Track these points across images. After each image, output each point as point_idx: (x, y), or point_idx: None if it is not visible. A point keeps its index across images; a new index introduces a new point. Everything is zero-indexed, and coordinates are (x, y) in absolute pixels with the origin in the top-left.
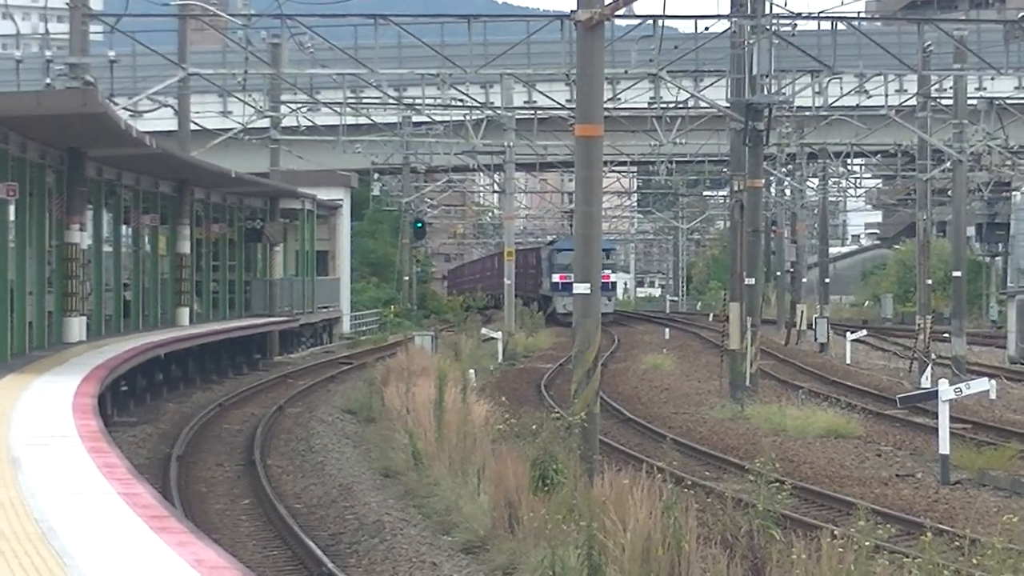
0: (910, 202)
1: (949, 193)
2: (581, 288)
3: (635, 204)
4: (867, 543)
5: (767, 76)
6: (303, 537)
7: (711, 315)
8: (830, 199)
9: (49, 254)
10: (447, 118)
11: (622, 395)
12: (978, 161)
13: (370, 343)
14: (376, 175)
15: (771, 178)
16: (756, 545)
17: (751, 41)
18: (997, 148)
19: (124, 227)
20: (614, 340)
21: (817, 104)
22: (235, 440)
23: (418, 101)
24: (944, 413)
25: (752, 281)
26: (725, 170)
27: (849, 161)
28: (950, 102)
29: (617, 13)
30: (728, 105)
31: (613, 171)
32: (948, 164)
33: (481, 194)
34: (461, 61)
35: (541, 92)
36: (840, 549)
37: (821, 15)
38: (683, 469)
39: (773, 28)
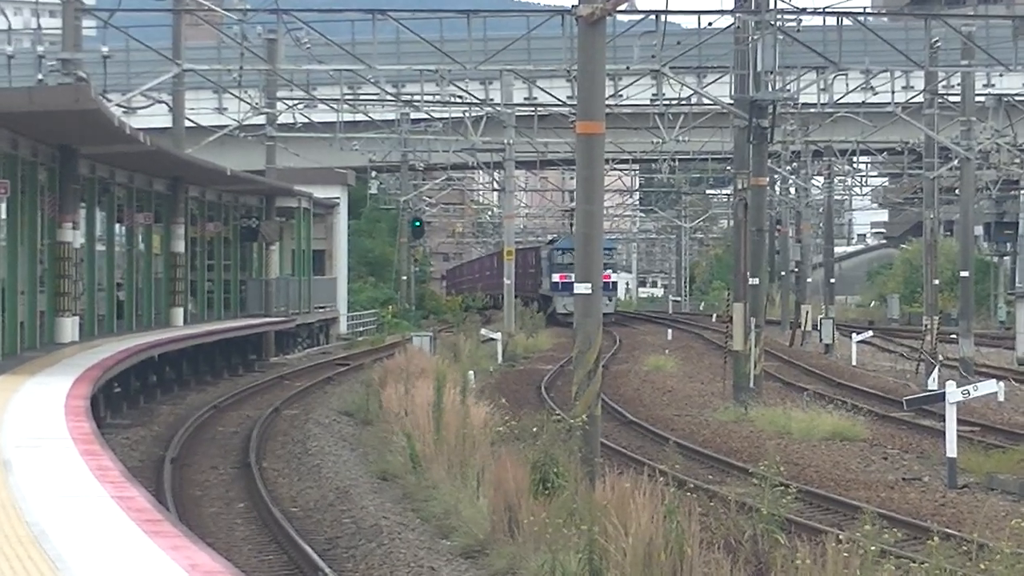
0: (917, 201)
1: (956, 192)
2: (582, 288)
3: (637, 203)
4: (873, 548)
5: (771, 72)
6: (299, 541)
7: (714, 316)
8: (835, 198)
9: (41, 253)
10: (446, 115)
11: (624, 397)
12: (986, 159)
13: (367, 344)
14: (374, 173)
15: (775, 176)
16: (760, 550)
17: (755, 37)
18: (1005, 146)
19: (117, 226)
20: (616, 341)
21: (822, 101)
22: (230, 442)
23: (416, 98)
24: (951, 415)
25: (756, 281)
26: (729, 168)
27: (855, 159)
28: (958, 99)
29: (619, 8)
30: (732, 102)
31: (615, 169)
32: (955, 162)
33: (480, 192)
34: (460, 57)
35: (542, 88)
36: (845, 554)
37: (826, 10)
38: (686, 472)
39: (777, 23)
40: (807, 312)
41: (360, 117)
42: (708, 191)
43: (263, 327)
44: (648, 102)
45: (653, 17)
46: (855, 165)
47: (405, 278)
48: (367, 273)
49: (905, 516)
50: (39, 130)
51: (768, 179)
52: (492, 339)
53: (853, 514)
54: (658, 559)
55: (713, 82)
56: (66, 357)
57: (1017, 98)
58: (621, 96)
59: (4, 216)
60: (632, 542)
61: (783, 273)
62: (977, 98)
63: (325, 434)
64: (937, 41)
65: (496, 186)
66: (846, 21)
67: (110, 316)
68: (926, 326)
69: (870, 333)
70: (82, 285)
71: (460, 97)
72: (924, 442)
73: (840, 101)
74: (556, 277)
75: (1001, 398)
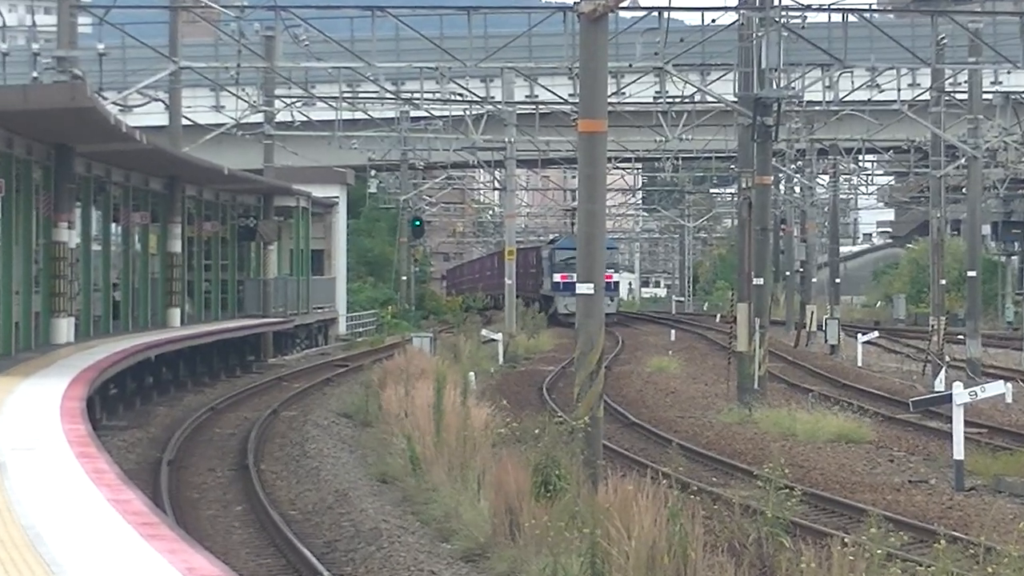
0: (923, 200)
1: (964, 190)
2: (584, 288)
3: (640, 202)
4: (879, 551)
5: (776, 70)
6: (298, 545)
7: (718, 316)
8: (841, 196)
9: (36, 253)
10: (446, 113)
11: (626, 398)
12: (993, 157)
13: (367, 345)
14: (373, 172)
15: (780, 175)
16: (765, 553)
17: (760, 34)
18: (1013, 144)
19: (113, 225)
20: (618, 342)
21: (828, 99)
22: (228, 444)
23: (416, 95)
24: (958, 417)
25: (760, 281)
26: (733, 167)
27: (860, 157)
28: (965, 96)
29: (621, 5)
30: (736, 100)
31: (617, 168)
32: (963, 160)
33: (481, 191)
34: (461, 54)
35: (543, 86)
36: (851, 557)
37: (832, 7)
38: (689, 475)
39: (782, 20)
40: (812, 312)
41: (359, 115)
42: (712, 190)
43: (261, 328)
44: (651, 100)
45: (656, 14)
46: (861, 163)
47: (405, 278)
48: (366, 273)
49: (911, 519)
50: (34, 128)
51: (772, 178)
52: (493, 340)
53: (859, 517)
54: (661, 563)
55: (717, 80)
56: (61, 358)
57: None
58: (624, 94)
59: None
60: (635, 545)
61: (788, 273)
62: (984, 95)
63: (324, 436)
64: (944, 38)
65: (497, 185)
66: (851, 18)
67: (106, 317)
68: (933, 326)
69: (876, 334)
70: (78, 285)
71: (460, 95)
72: (931, 444)
73: (845, 99)
74: (557, 277)
75: (1009, 399)
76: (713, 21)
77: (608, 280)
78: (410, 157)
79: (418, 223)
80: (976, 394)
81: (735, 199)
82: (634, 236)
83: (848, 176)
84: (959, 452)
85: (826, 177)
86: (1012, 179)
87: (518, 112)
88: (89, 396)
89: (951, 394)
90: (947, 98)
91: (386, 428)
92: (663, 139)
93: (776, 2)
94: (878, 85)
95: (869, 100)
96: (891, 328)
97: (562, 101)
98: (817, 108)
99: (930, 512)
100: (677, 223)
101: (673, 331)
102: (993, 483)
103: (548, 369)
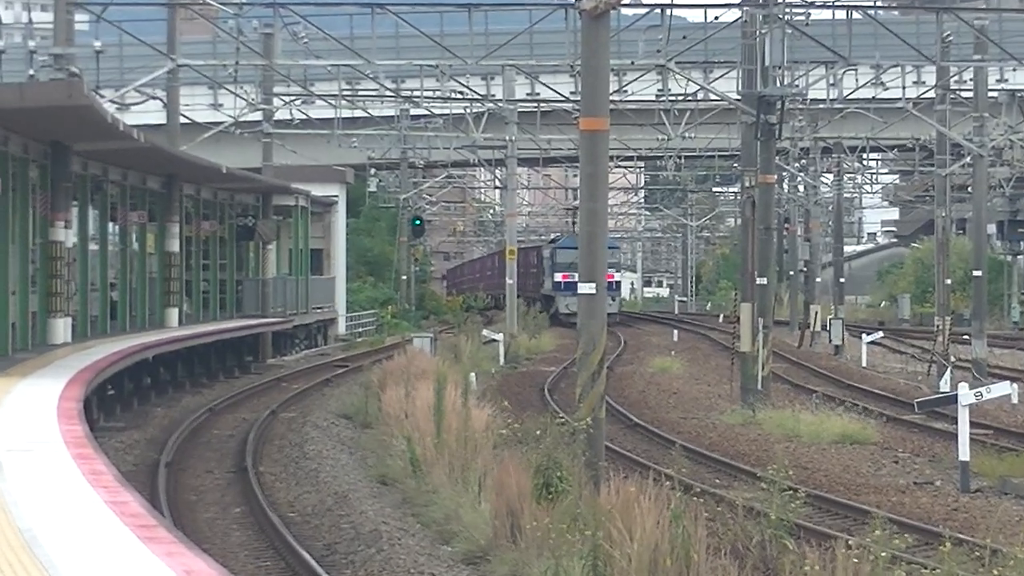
0: (928, 198)
1: (969, 189)
2: (586, 288)
3: (642, 201)
4: (884, 553)
5: (779, 67)
6: (296, 547)
7: (721, 316)
8: (845, 195)
9: (33, 252)
10: (447, 111)
11: (628, 399)
12: (999, 156)
13: (367, 345)
14: (373, 170)
15: (784, 174)
16: (768, 555)
17: (763, 31)
18: (1019, 142)
19: (111, 224)
20: (620, 342)
21: (832, 96)
22: (226, 446)
23: (416, 93)
24: (964, 418)
25: (764, 281)
26: (736, 165)
27: (865, 156)
28: (970, 94)
29: (623, 2)
30: (739, 98)
31: (619, 166)
32: (968, 159)
33: (482, 190)
34: (461, 52)
35: (544, 84)
36: (856, 560)
37: (836, 3)
38: (692, 476)
39: (786, 17)
40: (816, 312)
41: (359, 113)
42: (715, 189)
43: (260, 328)
44: (653, 98)
45: (658, 11)
46: (865, 162)
47: (405, 278)
48: (366, 273)
49: (916, 521)
50: (30, 127)
51: (776, 176)
52: (494, 340)
53: (863, 519)
54: (664, 565)
55: (720, 77)
56: (58, 358)
57: None
58: (626, 92)
59: None
60: (637, 548)
61: (792, 273)
62: (990, 93)
63: (323, 437)
64: (949, 35)
65: (498, 184)
66: (856, 15)
67: (103, 317)
68: (938, 327)
69: (880, 334)
70: (75, 285)
71: (461, 93)
72: (936, 445)
73: (850, 97)
74: (559, 277)
75: (1015, 400)
76: (716, 18)
77: (609, 280)
78: (410, 156)
79: (418, 222)
80: (982, 395)
81: (738, 198)
82: (636, 235)
83: (852, 175)
84: (964, 453)
85: (830, 176)
86: (1018, 178)
87: (519, 110)
88: (86, 397)
89: (956, 395)
90: (952, 96)
91: (386, 429)
92: (665, 137)
93: None
94: (883, 83)
95: (873, 98)
96: (896, 328)
97: (563, 99)
98: (821, 106)
99: (935, 514)
100: (680, 222)
101: (676, 331)
102: (999, 485)
103: (550, 370)
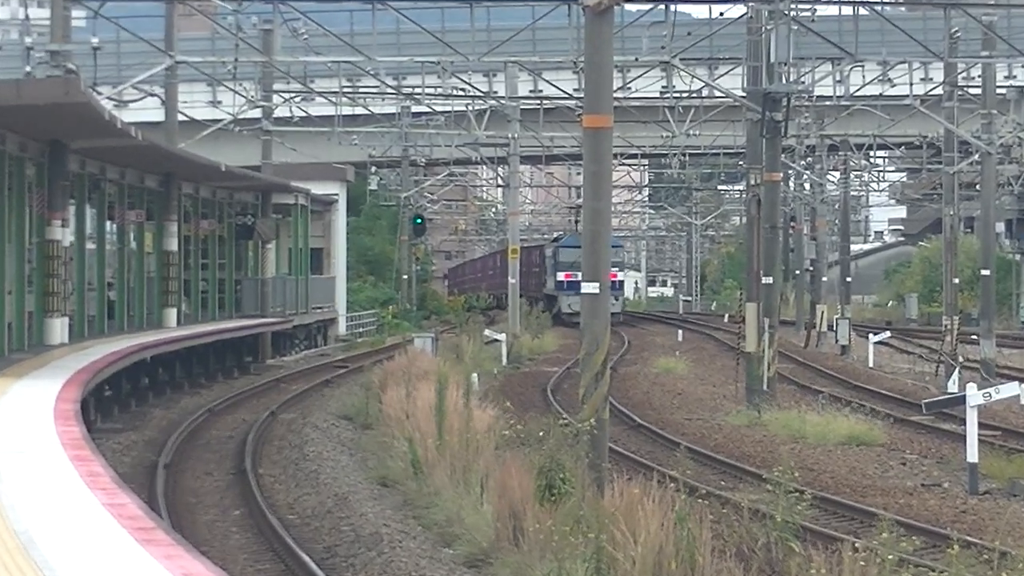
0: (936, 197)
1: (977, 187)
2: (590, 287)
3: (646, 199)
4: (891, 556)
5: (785, 64)
6: (296, 550)
7: (726, 316)
8: (852, 193)
9: (29, 251)
10: (448, 108)
11: (632, 400)
12: (1008, 153)
13: (367, 345)
14: (373, 168)
15: (790, 171)
16: (774, 558)
17: (769, 27)
18: None
19: (108, 223)
20: (624, 342)
21: (838, 93)
22: (225, 448)
23: (418, 90)
24: (972, 419)
25: (769, 280)
26: (741, 163)
27: (872, 153)
28: (978, 91)
29: None
30: (744, 94)
31: (623, 164)
32: (976, 156)
33: (484, 188)
34: (463, 48)
35: (547, 81)
36: (862, 563)
37: None
38: (697, 478)
39: (792, 13)
40: (822, 312)
41: (359, 111)
42: (720, 187)
43: (259, 328)
44: (658, 95)
45: (663, 7)
46: (872, 160)
47: (406, 277)
48: (367, 272)
49: (924, 523)
50: (27, 124)
51: (782, 174)
52: (496, 340)
53: (870, 521)
54: (668, 568)
55: (725, 74)
56: (55, 359)
57: None
58: (630, 89)
59: None
60: (641, 550)
61: (798, 272)
62: (998, 90)
63: (323, 439)
64: (957, 31)
65: (500, 182)
66: (862, 10)
67: (101, 317)
68: (946, 326)
69: (888, 334)
70: (72, 285)
71: (463, 90)
72: (944, 447)
73: (856, 93)
74: (561, 276)
75: None
76: (721, 14)
77: (613, 279)
78: (411, 153)
79: (419, 221)
80: (990, 395)
81: (743, 196)
82: (640, 234)
83: (859, 172)
84: (973, 455)
85: (837, 173)
86: None
87: (522, 107)
88: (83, 398)
89: (965, 395)
90: (960, 93)
91: (387, 431)
92: (670, 135)
93: None
94: (890, 79)
95: (880, 95)
96: (903, 328)
97: (567, 96)
98: (827, 103)
99: (943, 516)
100: (684, 221)
101: (680, 331)
102: (1008, 486)
103: (552, 370)
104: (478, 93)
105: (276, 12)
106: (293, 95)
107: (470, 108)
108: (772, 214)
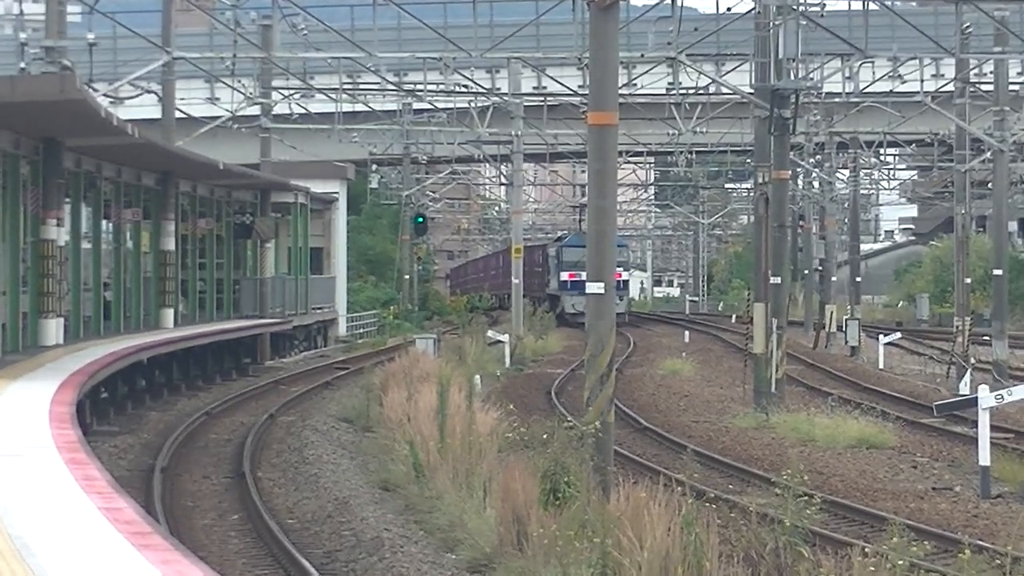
0: (947, 195)
1: (989, 185)
2: (595, 288)
3: (652, 197)
4: (901, 561)
5: (794, 60)
6: (296, 555)
7: (734, 316)
8: (861, 192)
9: (24, 251)
10: (450, 105)
11: (638, 402)
12: (1020, 151)
13: (368, 346)
14: (374, 166)
15: (798, 169)
16: (783, 563)
17: (777, 22)
18: None
19: (104, 222)
20: (630, 343)
21: (848, 90)
22: (223, 451)
23: (419, 87)
24: (984, 422)
25: (778, 280)
26: (749, 161)
27: (882, 151)
28: (990, 87)
29: None
30: (752, 91)
31: (629, 162)
32: (988, 154)
33: (487, 187)
34: (465, 44)
35: (551, 77)
36: (872, 568)
37: None
38: (704, 482)
39: (800, 8)
40: (832, 313)
41: (360, 107)
42: (727, 185)
43: (258, 329)
44: (664, 91)
45: (669, 2)
46: (882, 157)
47: (407, 277)
48: (367, 272)
49: (935, 527)
50: (21, 121)
51: (790, 172)
52: (499, 341)
53: (880, 525)
54: (675, 573)
55: (732, 70)
56: (50, 361)
57: None
58: (635, 85)
59: None
60: (647, 556)
61: (806, 272)
62: (1011, 86)
63: (323, 441)
64: (969, 26)
65: (503, 180)
66: (872, 5)
67: (96, 317)
68: (957, 327)
69: (898, 335)
70: (67, 285)
71: (465, 86)
72: (955, 450)
73: (866, 90)
74: (564, 276)
75: None
76: (728, 9)
77: (618, 279)
78: (413, 151)
79: (421, 220)
80: (1003, 398)
81: (751, 195)
82: (646, 233)
83: (869, 171)
84: (985, 458)
85: (846, 172)
86: None
87: (525, 104)
88: (79, 400)
89: (976, 398)
90: (972, 89)
91: (388, 433)
92: (676, 132)
93: None
94: (900, 76)
95: (891, 91)
96: (914, 329)
97: (571, 93)
98: (837, 100)
99: (955, 520)
100: (691, 220)
101: (687, 332)
102: (1020, 490)
103: (557, 372)
104: (481, 90)
105: (275, 7)
106: (292, 92)
107: (473, 105)
108: (780, 213)
